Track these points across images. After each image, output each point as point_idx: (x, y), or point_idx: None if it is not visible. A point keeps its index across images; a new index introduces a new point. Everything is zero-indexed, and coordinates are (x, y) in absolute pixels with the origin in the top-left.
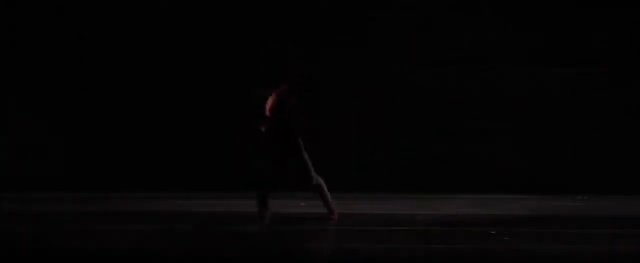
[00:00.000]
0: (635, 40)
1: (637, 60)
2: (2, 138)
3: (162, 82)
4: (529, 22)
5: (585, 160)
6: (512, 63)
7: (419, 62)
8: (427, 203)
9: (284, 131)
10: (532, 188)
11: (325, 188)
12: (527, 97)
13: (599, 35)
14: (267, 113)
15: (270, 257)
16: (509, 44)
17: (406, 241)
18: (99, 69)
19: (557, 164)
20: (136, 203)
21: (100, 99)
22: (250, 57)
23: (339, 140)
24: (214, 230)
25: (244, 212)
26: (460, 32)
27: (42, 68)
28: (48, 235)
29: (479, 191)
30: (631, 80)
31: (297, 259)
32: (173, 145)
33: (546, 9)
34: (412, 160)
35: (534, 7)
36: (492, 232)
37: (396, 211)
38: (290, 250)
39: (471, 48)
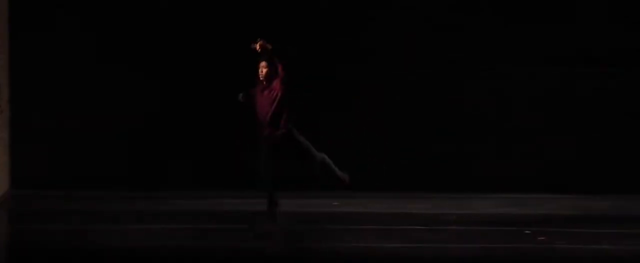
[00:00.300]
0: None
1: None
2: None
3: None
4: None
5: (586, 160)
6: (512, 63)
7: (419, 62)
8: (453, 202)
9: (277, 112)
10: (537, 187)
11: (329, 160)
12: (528, 96)
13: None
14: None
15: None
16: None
17: (444, 240)
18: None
19: (558, 164)
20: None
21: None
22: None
23: (338, 140)
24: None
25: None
26: (461, 31)
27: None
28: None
29: (480, 191)
30: (632, 80)
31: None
32: (176, 144)
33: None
34: (412, 160)
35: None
36: (527, 232)
37: (426, 210)
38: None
39: (471, 47)
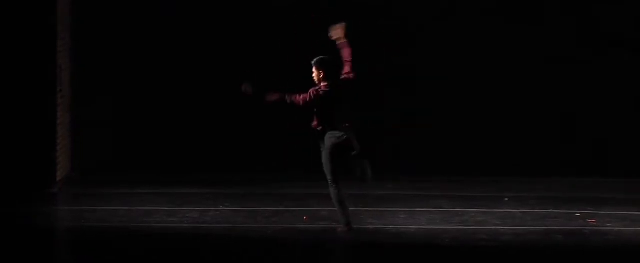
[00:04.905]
0: None
1: None
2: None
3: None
4: None
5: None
6: None
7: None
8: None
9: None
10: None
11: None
12: None
13: None
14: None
15: None
16: None
17: (498, 223)
18: None
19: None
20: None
21: None
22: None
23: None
24: None
25: None
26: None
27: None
28: None
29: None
30: None
31: None
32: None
33: None
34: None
35: None
36: (577, 214)
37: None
38: None
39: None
